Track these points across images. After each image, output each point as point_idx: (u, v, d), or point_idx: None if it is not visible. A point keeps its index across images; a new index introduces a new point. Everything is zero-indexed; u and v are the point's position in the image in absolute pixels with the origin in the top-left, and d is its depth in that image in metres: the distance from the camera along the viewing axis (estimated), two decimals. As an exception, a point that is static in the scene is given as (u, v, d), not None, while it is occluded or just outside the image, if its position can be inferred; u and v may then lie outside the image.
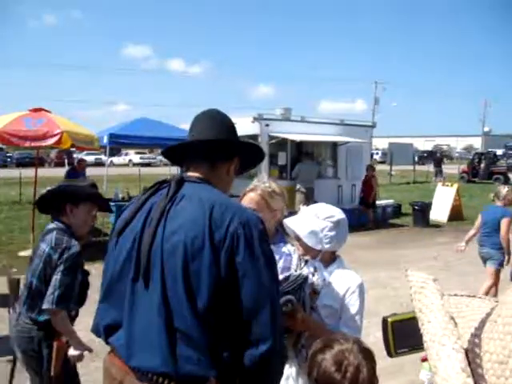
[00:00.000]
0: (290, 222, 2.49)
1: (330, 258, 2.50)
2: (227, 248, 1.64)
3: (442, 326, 0.95)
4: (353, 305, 2.36)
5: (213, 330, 1.61)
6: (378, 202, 15.61)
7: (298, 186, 13.36)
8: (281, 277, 2.42)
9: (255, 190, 2.60)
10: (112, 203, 12.38)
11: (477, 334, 0.93)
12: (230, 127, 2.03)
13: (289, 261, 2.51)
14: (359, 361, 1.54)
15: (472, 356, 0.89)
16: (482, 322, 0.93)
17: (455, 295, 1.15)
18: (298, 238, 2.45)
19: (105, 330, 1.78)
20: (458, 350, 0.88)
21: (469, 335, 0.94)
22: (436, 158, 32.40)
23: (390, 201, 16.79)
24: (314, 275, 2.44)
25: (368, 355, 1.59)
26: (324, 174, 15.38)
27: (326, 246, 2.42)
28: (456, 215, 15.54)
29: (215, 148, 1.95)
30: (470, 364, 0.86)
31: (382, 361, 1.75)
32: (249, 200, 2.58)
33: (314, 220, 2.44)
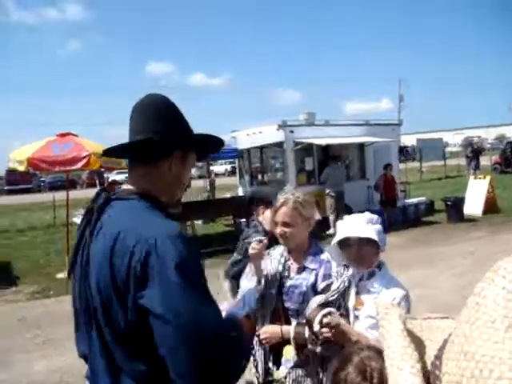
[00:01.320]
0: (353, 232, 2.48)
1: (378, 265, 2.55)
2: (132, 286, 1.40)
3: (400, 352, 0.97)
4: None
5: (149, 368, 1.48)
6: (409, 200, 15.45)
7: (327, 191, 13.31)
8: (323, 284, 2.53)
9: (286, 203, 2.60)
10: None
11: (438, 356, 0.94)
12: (166, 117, 1.74)
13: (329, 268, 2.58)
14: (380, 364, 1.54)
15: (433, 378, 0.91)
16: (444, 343, 0.93)
17: (428, 318, 1.16)
18: (359, 249, 2.47)
19: (84, 359, 1.72)
20: (414, 374, 0.90)
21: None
22: (474, 150, 31.42)
23: (422, 198, 16.59)
24: (360, 285, 2.49)
25: None
26: (352, 176, 15.32)
27: (385, 248, 2.51)
28: (491, 208, 15.23)
29: (145, 148, 1.70)
30: None
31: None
32: (283, 215, 2.60)
33: (371, 225, 2.50)
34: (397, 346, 0.99)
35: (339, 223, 2.63)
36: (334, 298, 2.44)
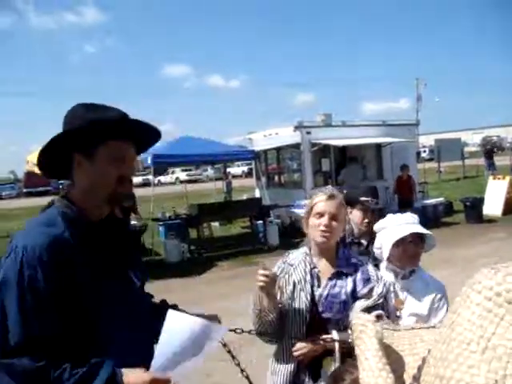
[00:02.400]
0: (420, 229, 2.59)
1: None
2: None
3: (375, 375, 0.92)
4: (441, 308, 2.39)
5: None
6: (427, 201, 15.30)
7: (345, 192, 13.21)
8: (365, 290, 2.36)
9: (336, 197, 2.42)
10: (160, 223, 12.62)
11: (416, 377, 0.90)
12: (64, 124, 1.75)
13: (366, 272, 2.42)
14: None
15: None
16: (423, 362, 0.89)
17: (412, 329, 1.11)
18: (417, 247, 2.57)
19: None
20: None
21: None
22: (487, 150, 31.25)
23: (440, 199, 16.40)
24: (397, 284, 2.49)
25: None
26: (370, 177, 15.22)
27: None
28: (510, 208, 15.03)
29: (52, 156, 1.75)
30: None
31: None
32: (334, 207, 2.38)
33: (419, 225, 2.59)
34: (371, 369, 0.93)
35: (383, 221, 2.66)
36: (379, 302, 2.34)
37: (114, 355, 1.60)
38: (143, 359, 1.64)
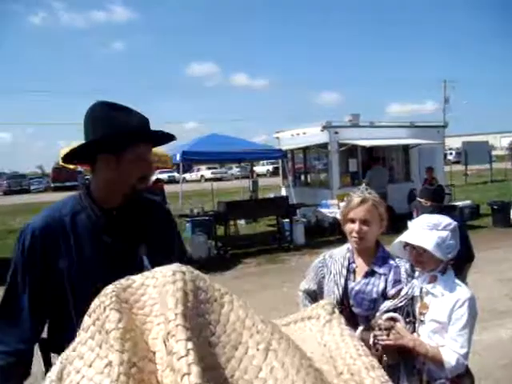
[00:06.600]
0: (409, 238, 2.47)
1: (443, 269, 2.46)
2: None
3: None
4: (459, 319, 2.30)
5: None
6: (454, 204, 15.19)
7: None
8: (393, 290, 2.46)
9: (366, 201, 2.52)
10: (188, 219, 12.78)
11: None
12: (85, 127, 1.92)
13: (398, 273, 2.51)
14: None
15: None
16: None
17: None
18: (419, 254, 2.43)
19: None
20: None
21: None
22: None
23: (467, 202, 16.29)
24: (424, 288, 2.44)
25: None
26: (396, 178, 15.18)
27: (449, 256, 2.42)
28: (539, 213, 14.83)
29: (82, 152, 1.96)
30: None
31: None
32: (364, 212, 2.50)
33: (435, 231, 2.42)
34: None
35: (410, 223, 2.60)
36: (402, 304, 2.41)
37: None
38: None
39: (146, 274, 1.06)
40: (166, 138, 2.09)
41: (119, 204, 1.95)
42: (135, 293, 1.02)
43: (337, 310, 1.31)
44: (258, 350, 0.99)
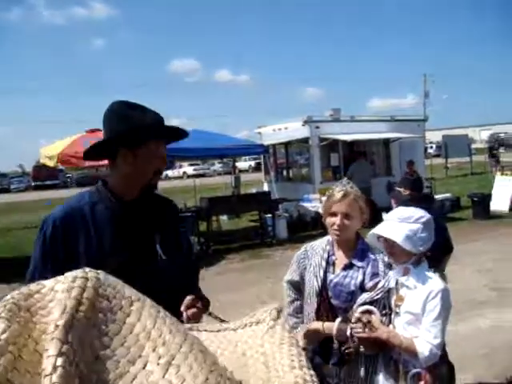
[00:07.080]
0: (380, 231, 2.50)
1: (416, 262, 2.47)
2: None
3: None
4: (433, 310, 2.33)
5: None
6: (435, 197, 15.33)
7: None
8: (371, 283, 2.49)
9: (348, 194, 2.53)
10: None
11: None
12: (107, 123, 2.07)
13: (376, 266, 2.55)
14: None
15: None
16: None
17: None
18: (391, 245, 2.45)
19: None
20: None
21: None
22: (491, 146, 31.19)
23: (447, 194, 16.45)
24: (399, 281, 2.46)
25: None
26: (378, 172, 15.28)
27: (420, 249, 2.43)
28: (518, 204, 15.04)
29: (102, 148, 2.10)
30: None
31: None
32: (345, 206, 2.51)
33: (405, 224, 2.44)
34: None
35: (385, 215, 2.64)
36: (378, 296, 2.45)
37: None
38: None
39: (58, 277, 0.98)
40: (179, 134, 2.21)
41: (136, 197, 2.08)
42: (42, 299, 0.93)
43: (282, 316, 1.26)
44: (158, 364, 0.91)
